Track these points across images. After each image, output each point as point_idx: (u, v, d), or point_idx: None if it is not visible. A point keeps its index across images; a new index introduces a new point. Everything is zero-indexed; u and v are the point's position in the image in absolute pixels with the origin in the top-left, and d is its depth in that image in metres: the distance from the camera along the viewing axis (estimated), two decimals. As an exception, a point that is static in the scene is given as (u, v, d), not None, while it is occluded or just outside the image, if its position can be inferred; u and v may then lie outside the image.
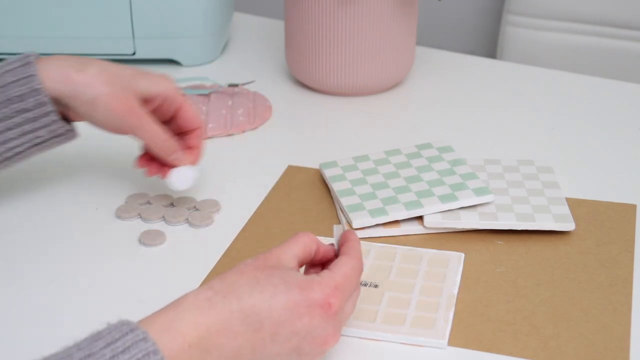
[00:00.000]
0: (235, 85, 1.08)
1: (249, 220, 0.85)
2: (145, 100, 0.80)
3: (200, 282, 0.76)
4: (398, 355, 0.68)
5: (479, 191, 0.84)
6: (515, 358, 0.68)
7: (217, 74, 1.15)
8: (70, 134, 0.81)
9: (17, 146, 0.78)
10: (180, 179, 0.83)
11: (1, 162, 0.79)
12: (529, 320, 0.72)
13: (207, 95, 1.08)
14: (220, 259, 0.79)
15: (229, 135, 1.01)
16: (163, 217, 0.85)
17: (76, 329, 0.72)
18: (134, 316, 0.73)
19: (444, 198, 0.84)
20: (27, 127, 0.77)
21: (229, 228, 0.83)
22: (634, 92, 1.10)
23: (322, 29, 1.04)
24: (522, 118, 1.04)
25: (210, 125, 1.01)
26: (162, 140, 0.80)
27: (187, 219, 0.85)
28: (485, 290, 0.75)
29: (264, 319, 0.59)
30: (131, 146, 0.88)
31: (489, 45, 1.66)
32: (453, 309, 0.72)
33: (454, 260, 0.77)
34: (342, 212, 0.84)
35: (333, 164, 0.91)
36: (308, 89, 1.11)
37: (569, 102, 1.08)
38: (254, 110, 1.05)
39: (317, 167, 0.93)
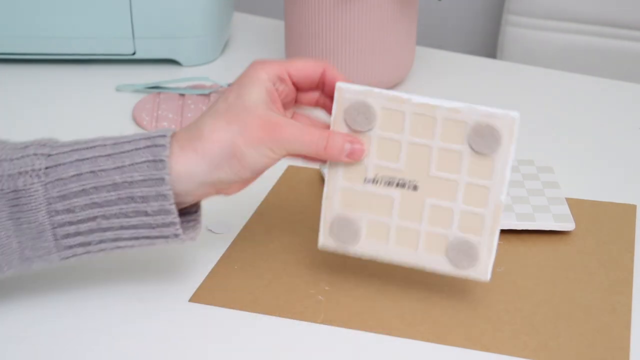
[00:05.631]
0: (235, 85, 1.08)
1: (249, 220, 0.85)
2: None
3: (199, 283, 0.76)
4: (395, 353, 0.69)
5: (479, 191, 0.84)
6: (515, 358, 0.68)
7: (217, 74, 1.15)
8: (185, 242, 0.71)
9: (125, 246, 0.69)
10: None
11: (96, 252, 0.69)
12: (529, 320, 0.72)
13: (207, 95, 1.08)
14: (220, 259, 0.79)
15: (229, 135, 1.01)
16: (163, 217, 0.85)
17: (73, 321, 0.72)
18: (132, 314, 0.73)
19: (444, 198, 0.83)
20: (142, 233, 0.68)
21: (228, 227, 0.83)
22: (634, 92, 1.10)
23: (322, 29, 1.04)
24: (522, 118, 1.04)
25: (210, 125, 1.01)
26: (319, 145, 0.68)
27: (187, 219, 0.84)
28: (485, 290, 0.75)
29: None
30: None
31: (489, 45, 1.66)
32: (498, 231, 0.68)
33: (506, 131, 0.67)
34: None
35: (333, 164, 0.91)
36: (308, 89, 1.11)
37: (569, 102, 1.08)
38: (254, 110, 1.05)
39: (317, 167, 0.93)
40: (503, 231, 0.82)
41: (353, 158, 0.69)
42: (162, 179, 0.66)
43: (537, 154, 0.96)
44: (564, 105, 1.07)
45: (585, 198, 0.88)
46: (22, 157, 0.67)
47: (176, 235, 0.69)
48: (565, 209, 0.83)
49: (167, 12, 1.13)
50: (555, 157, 0.95)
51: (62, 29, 1.13)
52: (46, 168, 0.66)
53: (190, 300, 0.74)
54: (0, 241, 0.67)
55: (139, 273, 0.78)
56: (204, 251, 0.80)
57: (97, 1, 1.12)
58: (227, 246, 0.81)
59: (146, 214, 0.67)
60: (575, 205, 0.86)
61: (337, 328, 0.71)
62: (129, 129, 1.02)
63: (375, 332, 0.71)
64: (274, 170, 0.93)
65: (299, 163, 0.94)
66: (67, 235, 0.67)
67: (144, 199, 0.66)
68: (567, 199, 0.87)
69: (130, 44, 1.15)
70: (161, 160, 0.66)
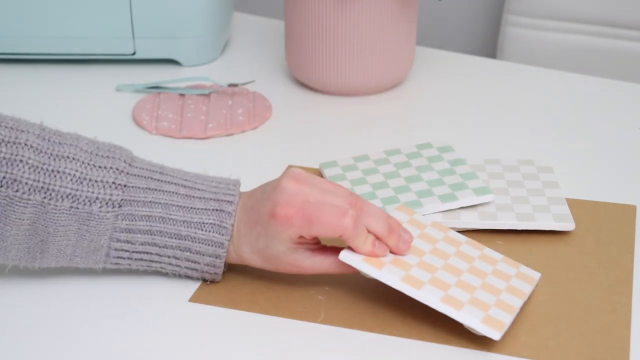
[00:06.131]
0: (235, 85, 1.08)
1: (249, 220, 0.85)
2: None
3: (199, 283, 0.76)
4: (395, 353, 0.69)
5: (479, 191, 0.84)
6: (515, 358, 0.68)
7: (217, 74, 1.15)
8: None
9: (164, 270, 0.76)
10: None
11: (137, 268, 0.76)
12: (529, 320, 0.72)
13: (207, 95, 1.08)
14: (220, 259, 0.79)
15: (229, 135, 1.01)
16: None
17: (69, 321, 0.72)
18: (132, 314, 0.73)
19: (444, 198, 0.84)
20: (185, 271, 0.75)
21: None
22: (634, 92, 1.10)
23: (322, 29, 1.04)
24: (522, 118, 1.04)
25: (210, 125, 1.01)
26: (328, 271, 0.74)
27: (187, 219, 0.84)
28: (485, 290, 0.75)
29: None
30: (136, 145, 0.88)
31: (489, 45, 1.66)
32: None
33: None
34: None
35: (333, 164, 0.91)
36: (308, 89, 1.11)
37: (569, 102, 1.08)
38: (253, 110, 1.05)
39: (317, 167, 0.93)
40: (503, 231, 0.82)
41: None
42: (222, 244, 0.73)
43: (537, 154, 0.96)
44: (564, 105, 1.07)
45: (585, 198, 0.88)
46: (101, 181, 0.72)
47: (214, 280, 0.76)
48: (565, 209, 0.83)
49: (167, 12, 1.13)
50: (555, 157, 0.95)
51: (62, 29, 1.13)
52: (121, 200, 0.73)
53: (190, 300, 0.74)
54: (59, 248, 0.73)
55: (139, 273, 0.78)
56: (204, 251, 0.80)
57: (97, 1, 1.12)
58: (227, 246, 0.81)
59: (196, 262, 0.74)
60: (575, 205, 0.86)
61: (337, 328, 0.71)
62: (129, 129, 1.02)
63: (375, 332, 0.71)
64: (274, 170, 0.93)
65: (300, 163, 0.94)
66: (119, 257, 0.74)
67: (200, 253, 0.73)
68: (567, 199, 0.87)
69: (130, 44, 1.15)
70: (225, 227, 0.73)
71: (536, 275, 0.75)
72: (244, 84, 1.08)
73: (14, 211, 0.70)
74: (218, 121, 1.02)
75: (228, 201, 0.74)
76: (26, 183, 0.70)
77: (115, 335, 0.71)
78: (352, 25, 1.03)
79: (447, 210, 0.83)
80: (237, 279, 0.77)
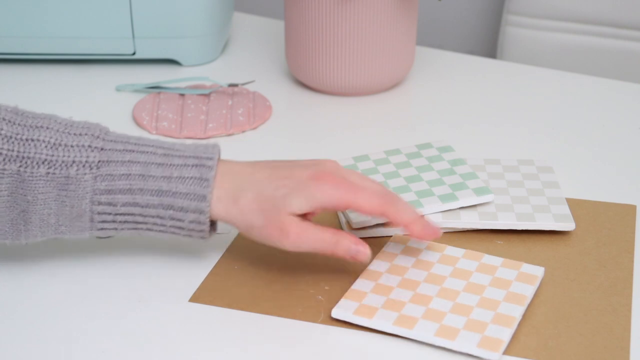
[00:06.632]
0: (235, 85, 1.08)
1: (249, 220, 0.85)
2: (306, 214, 0.73)
3: (199, 283, 0.76)
4: (396, 353, 0.69)
5: (479, 191, 0.84)
6: (515, 358, 0.68)
7: (217, 74, 1.15)
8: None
9: (152, 232, 0.75)
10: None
11: (126, 232, 0.75)
12: (529, 320, 0.72)
13: (207, 95, 1.08)
14: (220, 259, 0.79)
15: (229, 135, 1.01)
16: (163, 217, 0.85)
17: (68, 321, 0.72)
18: (132, 314, 0.73)
19: (444, 198, 0.84)
20: (171, 230, 0.74)
21: (229, 228, 0.83)
22: (634, 92, 1.10)
23: (322, 29, 1.04)
24: (522, 118, 1.04)
25: (210, 125, 1.01)
26: (328, 248, 0.72)
27: (187, 219, 0.84)
28: (485, 290, 0.75)
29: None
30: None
31: (489, 45, 1.66)
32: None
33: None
34: (342, 211, 0.84)
35: (333, 164, 0.91)
36: (308, 89, 1.11)
37: (569, 102, 1.08)
38: (253, 110, 1.05)
39: (317, 167, 0.93)
40: (503, 231, 0.82)
41: (357, 259, 0.72)
42: (204, 196, 0.72)
43: (537, 154, 0.96)
44: (564, 105, 1.07)
45: (585, 198, 0.88)
46: (77, 145, 0.72)
47: (202, 237, 0.75)
48: (565, 209, 0.83)
49: (167, 12, 1.13)
50: (555, 157, 0.95)
51: (62, 29, 1.13)
52: (99, 161, 0.72)
53: (190, 300, 0.74)
54: (42, 217, 0.72)
55: (139, 273, 0.78)
56: (204, 251, 0.80)
57: (97, 1, 1.12)
58: (227, 246, 0.81)
59: (181, 220, 0.73)
60: (575, 205, 0.86)
61: (337, 328, 0.71)
62: (129, 129, 1.02)
63: (375, 332, 0.71)
64: (274, 170, 0.93)
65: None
66: (104, 222, 0.73)
67: (183, 209, 0.72)
68: (567, 199, 0.87)
69: (130, 44, 1.15)
70: (206, 179, 0.72)
71: (539, 272, 0.75)
72: (244, 84, 1.08)
73: None
74: (218, 121, 1.02)
75: (208, 157, 0.73)
76: (0, 153, 0.71)
77: (115, 334, 0.71)
78: (352, 25, 1.03)
79: (447, 210, 0.83)
80: (237, 279, 0.77)
